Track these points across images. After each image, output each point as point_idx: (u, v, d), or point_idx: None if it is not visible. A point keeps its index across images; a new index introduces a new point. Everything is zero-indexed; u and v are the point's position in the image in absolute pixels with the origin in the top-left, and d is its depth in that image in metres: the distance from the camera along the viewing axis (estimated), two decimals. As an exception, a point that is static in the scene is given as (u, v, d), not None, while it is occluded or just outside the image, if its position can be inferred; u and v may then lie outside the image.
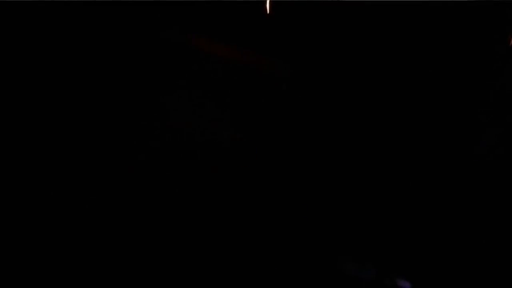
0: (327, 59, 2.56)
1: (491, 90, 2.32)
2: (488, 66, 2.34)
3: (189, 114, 2.57)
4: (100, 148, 2.45)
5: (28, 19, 2.25)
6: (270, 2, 2.48)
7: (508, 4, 2.30)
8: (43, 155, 2.36)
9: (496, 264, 2.10)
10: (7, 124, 2.31)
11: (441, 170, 2.31)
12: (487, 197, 2.20)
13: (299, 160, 2.50)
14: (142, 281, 2.21)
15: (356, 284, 2.25)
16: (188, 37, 2.57)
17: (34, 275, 2.14)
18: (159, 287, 2.22)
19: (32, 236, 2.21)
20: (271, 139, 2.55)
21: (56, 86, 2.40)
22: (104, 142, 2.46)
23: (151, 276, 2.22)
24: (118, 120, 2.49)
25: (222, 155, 2.54)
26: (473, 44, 2.37)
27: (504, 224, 2.14)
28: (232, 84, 2.60)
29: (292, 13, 2.55)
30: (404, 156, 2.39)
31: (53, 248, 2.21)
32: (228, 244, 2.33)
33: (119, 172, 2.44)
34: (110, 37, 2.47)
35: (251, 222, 2.40)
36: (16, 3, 2.14)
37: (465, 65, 2.38)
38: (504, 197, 2.17)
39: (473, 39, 2.37)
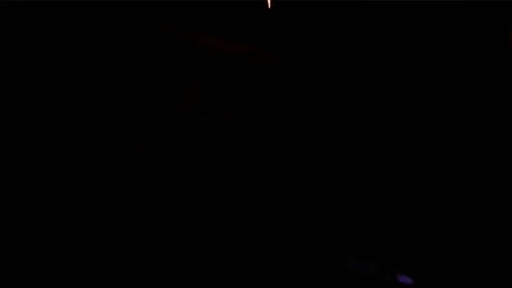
0: (329, 55, 2.55)
1: (490, 89, 2.35)
2: (488, 65, 2.37)
3: (190, 110, 2.55)
4: (100, 144, 2.42)
5: (28, 19, 2.18)
6: (272, -4, 2.45)
7: (508, 4, 2.32)
8: (41, 154, 2.32)
9: (496, 261, 2.16)
10: (7, 124, 2.26)
11: (441, 169, 2.35)
12: (487, 196, 2.25)
13: (300, 156, 2.51)
14: (142, 279, 2.21)
15: (357, 279, 2.28)
16: (188, 32, 2.53)
17: (34, 275, 2.13)
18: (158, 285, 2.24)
19: (32, 236, 2.20)
20: (272, 135, 2.54)
21: (57, 83, 2.36)
22: (104, 138, 2.43)
23: (152, 273, 2.23)
24: (118, 116, 2.46)
25: (223, 152, 2.53)
26: (473, 43, 2.39)
27: (503, 223, 2.20)
28: (233, 79, 2.58)
29: (293, 8, 2.52)
30: (404, 153, 2.42)
31: (53, 247, 2.20)
32: (228, 241, 2.35)
33: (119, 168, 2.42)
34: (109, 33, 2.42)
35: (252, 220, 2.41)
36: (16, 3, 2.07)
37: (464, 64, 2.40)
38: (503, 197, 2.22)
39: (473, 38, 2.39)
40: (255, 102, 2.57)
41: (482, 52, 2.39)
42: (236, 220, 2.40)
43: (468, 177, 2.31)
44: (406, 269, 2.26)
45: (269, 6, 2.50)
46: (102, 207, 2.31)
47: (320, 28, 2.56)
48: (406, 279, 2.23)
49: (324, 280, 2.30)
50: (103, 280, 2.16)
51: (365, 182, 2.43)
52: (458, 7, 2.38)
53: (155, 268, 2.23)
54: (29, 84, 2.29)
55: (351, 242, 2.37)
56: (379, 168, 2.44)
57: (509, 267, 2.12)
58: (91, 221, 2.28)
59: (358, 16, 2.50)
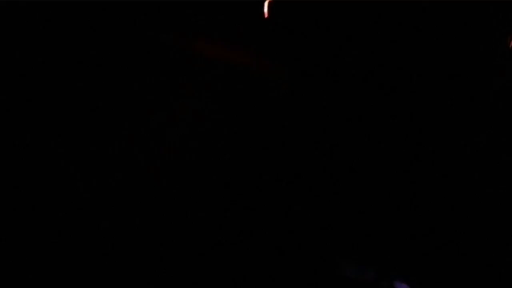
0: (326, 62, 2.56)
1: (491, 90, 2.31)
2: (488, 66, 2.33)
3: (187, 116, 2.58)
4: (100, 149, 2.47)
5: (28, 19, 2.30)
6: (269, 4, 2.50)
7: (508, 4, 2.30)
8: (41, 155, 2.39)
9: (496, 268, 2.08)
10: (7, 124, 2.34)
11: (439, 172, 2.30)
12: (485, 199, 2.18)
13: (297, 161, 2.51)
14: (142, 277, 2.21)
15: (354, 286, 2.23)
16: (185, 39, 2.59)
17: (34, 275, 2.16)
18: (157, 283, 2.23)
19: (32, 236, 2.24)
20: (269, 141, 2.55)
21: (56, 88, 2.44)
22: (104, 144, 2.49)
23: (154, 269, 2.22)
24: (119, 123, 2.52)
25: (221, 158, 2.55)
26: (473, 44, 2.37)
27: (502, 227, 2.12)
28: (229, 86, 2.62)
29: (290, 15, 2.57)
30: (402, 157, 2.38)
31: (53, 247, 2.23)
32: (228, 244, 2.33)
33: (120, 173, 2.46)
34: (110, 39, 2.51)
35: (251, 224, 2.40)
36: (16, 3, 2.19)
37: (464, 65, 2.37)
38: (503, 200, 2.15)
39: (473, 39, 2.36)
40: (253, 110, 2.60)
41: (480, 56, 2.36)
42: (234, 222, 2.39)
43: (465, 182, 2.25)
44: (404, 275, 2.19)
45: (266, 15, 2.55)
46: (105, 207, 2.35)
47: (318, 35, 2.58)
48: (403, 286, 2.16)
49: (321, 286, 2.26)
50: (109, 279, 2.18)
51: (363, 187, 2.39)
52: (458, 8, 2.37)
53: (159, 267, 2.24)
54: (30, 85, 2.40)
55: (348, 248, 2.33)
56: (377, 174, 2.40)
57: (509, 271, 2.03)
58: (93, 222, 2.31)
59: (357, 22, 2.52)
